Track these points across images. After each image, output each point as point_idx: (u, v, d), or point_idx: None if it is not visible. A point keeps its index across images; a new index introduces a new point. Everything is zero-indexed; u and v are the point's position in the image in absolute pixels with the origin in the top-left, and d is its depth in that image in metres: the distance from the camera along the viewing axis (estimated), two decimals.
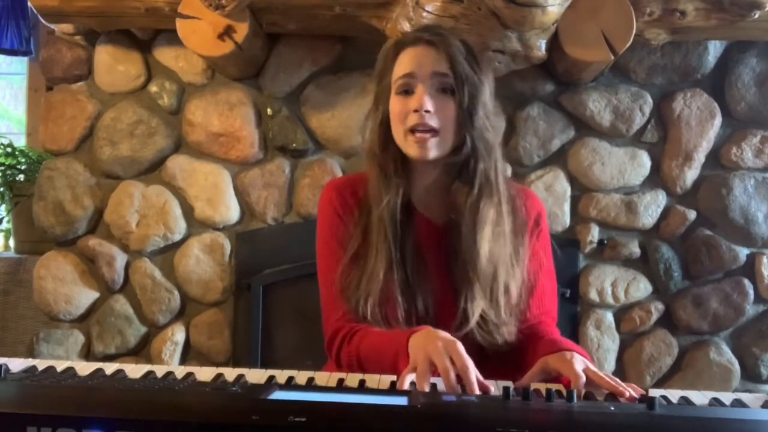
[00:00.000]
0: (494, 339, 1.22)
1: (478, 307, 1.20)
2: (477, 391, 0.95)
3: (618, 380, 1.00)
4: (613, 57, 2.01)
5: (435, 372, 0.99)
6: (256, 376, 1.00)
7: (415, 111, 1.22)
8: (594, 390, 1.00)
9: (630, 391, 0.97)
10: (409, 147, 1.24)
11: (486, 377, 1.00)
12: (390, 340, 1.14)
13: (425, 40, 1.25)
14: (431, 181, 1.29)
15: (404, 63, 1.25)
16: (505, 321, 1.23)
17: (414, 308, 1.22)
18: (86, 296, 2.35)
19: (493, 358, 1.20)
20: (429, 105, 1.21)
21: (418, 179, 1.29)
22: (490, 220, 1.24)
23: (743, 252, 2.31)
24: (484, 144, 1.25)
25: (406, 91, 1.24)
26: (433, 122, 1.22)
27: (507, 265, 1.24)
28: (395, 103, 1.26)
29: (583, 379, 1.01)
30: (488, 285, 1.22)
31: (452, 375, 0.96)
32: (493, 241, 1.23)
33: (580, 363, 1.04)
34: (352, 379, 1.01)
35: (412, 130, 1.22)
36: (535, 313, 1.28)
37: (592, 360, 1.13)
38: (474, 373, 0.97)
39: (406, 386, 0.98)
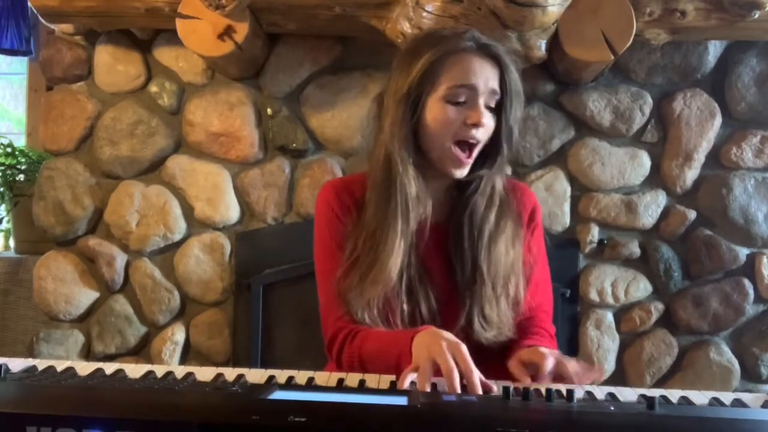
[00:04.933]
0: (495, 338, 1.23)
1: (485, 310, 1.21)
2: (480, 393, 0.95)
3: (580, 372, 1.05)
4: (613, 57, 2.01)
5: (437, 373, 0.99)
6: (256, 376, 1.00)
7: (472, 124, 1.19)
8: (564, 376, 1.05)
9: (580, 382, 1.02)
10: (448, 161, 1.22)
11: (485, 373, 1.00)
12: (393, 340, 1.13)
13: (484, 52, 1.21)
14: (441, 183, 1.28)
15: (463, 71, 1.20)
16: (507, 320, 1.24)
17: (418, 310, 1.22)
18: (86, 296, 2.35)
19: (488, 353, 1.21)
20: (485, 120, 1.20)
21: (432, 181, 1.28)
22: (507, 233, 1.25)
23: (743, 252, 2.31)
24: (510, 156, 1.27)
25: (459, 102, 1.20)
26: (483, 137, 1.21)
27: (514, 270, 1.25)
28: (446, 111, 1.20)
29: (551, 359, 1.06)
30: (495, 289, 1.23)
31: (456, 377, 0.96)
32: (506, 251, 1.25)
33: (547, 350, 1.09)
34: (352, 379, 1.01)
35: (458, 142, 1.20)
36: (527, 308, 1.28)
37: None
38: (478, 375, 0.97)
39: (407, 385, 0.98)
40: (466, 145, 1.21)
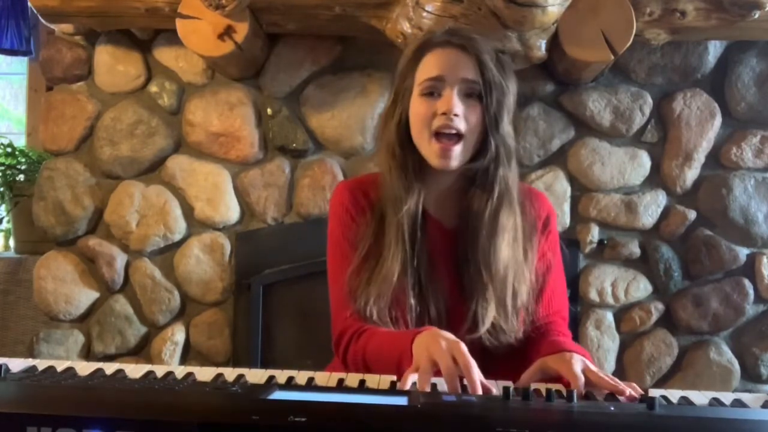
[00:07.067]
0: (501, 342, 1.22)
1: (489, 312, 1.20)
2: (480, 391, 0.95)
3: (617, 380, 1.00)
4: (613, 57, 2.01)
5: (438, 373, 0.99)
6: (256, 376, 1.00)
7: (443, 114, 1.20)
8: (594, 390, 1.00)
9: (630, 390, 0.97)
10: (432, 155, 1.22)
11: (489, 376, 1.00)
12: (395, 340, 1.13)
13: (455, 43, 1.23)
14: (445, 185, 1.29)
15: (432, 65, 1.22)
16: (513, 324, 1.23)
17: (426, 312, 1.22)
18: (86, 296, 2.35)
19: (498, 360, 1.20)
20: (458, 108, 1.20)
21: (432, 182, 1.28)
22: (508, 228, 1.24)
23: (743, 252, 2.31)
24: (506, 150, 1.25)
25: (432, 94, 1.22)
26: (460, 126, 1.20)
27: (520, 271, 1.25)
28: (420, 105, 1.23)
29: (582, 380, 1.01)
30: (500, 290, 1.22)
31: (455, 376, 0.96)
32: (509, 248, 1.24)
33: (579, 363, 1.04)
34: (352, 379, 1.01)
35: (437, 134, 1.21)
36: (544, 314, 1.28)
37: (592, 360, 1.13)
38: (477, 373, 0.97)
39: (408, 386, 0.98)
40: (445, 136, 1.21)
